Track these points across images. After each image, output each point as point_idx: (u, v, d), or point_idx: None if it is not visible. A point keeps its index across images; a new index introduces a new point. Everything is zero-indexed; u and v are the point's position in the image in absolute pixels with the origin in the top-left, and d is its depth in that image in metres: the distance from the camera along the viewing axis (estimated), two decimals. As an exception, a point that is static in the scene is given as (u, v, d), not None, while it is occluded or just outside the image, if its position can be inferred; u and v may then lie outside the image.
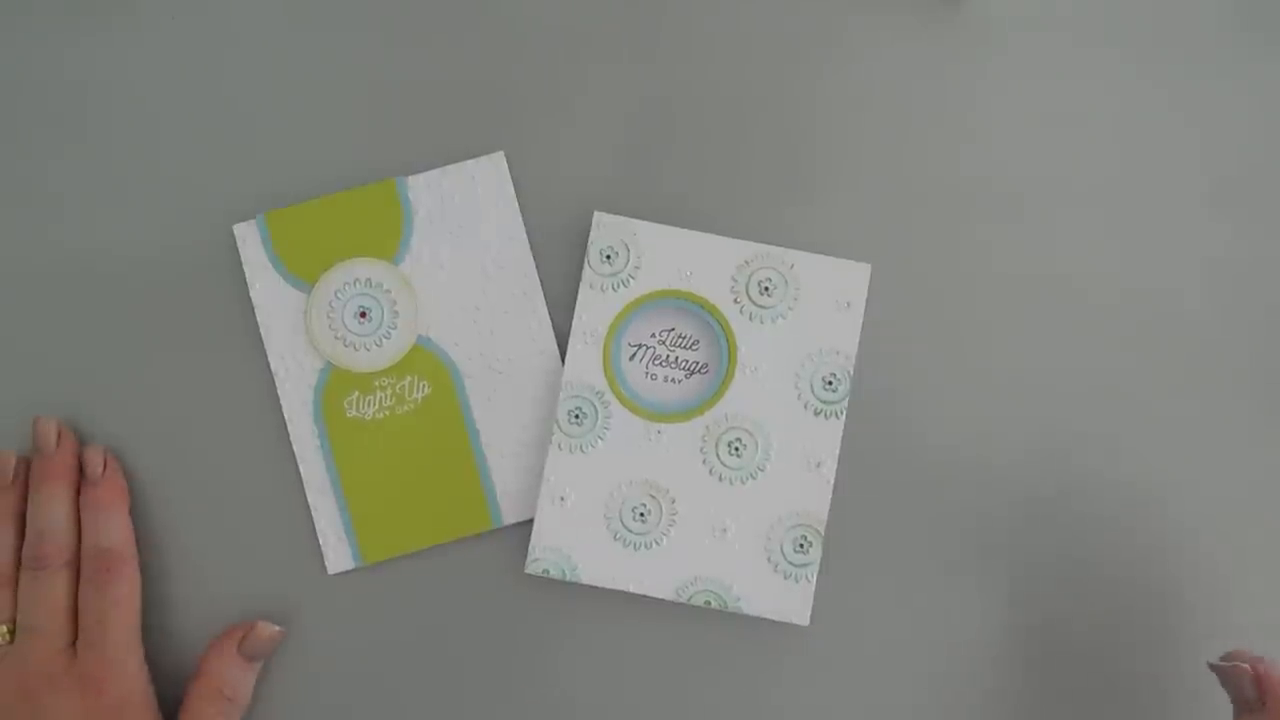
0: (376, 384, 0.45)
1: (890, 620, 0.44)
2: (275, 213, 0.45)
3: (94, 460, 0.43)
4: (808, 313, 0.44)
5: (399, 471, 0.44)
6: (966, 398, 0.45)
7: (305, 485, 0.45)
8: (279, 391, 0.45)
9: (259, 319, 0.45)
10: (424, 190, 0.45)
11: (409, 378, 0.45)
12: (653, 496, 0.43)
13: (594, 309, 0.44)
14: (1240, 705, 0.38)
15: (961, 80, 0.46)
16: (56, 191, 0.46)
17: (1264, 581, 0.45)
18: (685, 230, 0.44)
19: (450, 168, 0.45)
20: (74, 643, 0.41)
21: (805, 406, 0.43)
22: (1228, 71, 0.46)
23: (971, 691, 0.44)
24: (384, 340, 0.44)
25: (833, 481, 0.43)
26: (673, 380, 0.44)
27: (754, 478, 0.43)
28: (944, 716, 0.44)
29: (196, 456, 0.45)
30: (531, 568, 0.43)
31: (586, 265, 0.44)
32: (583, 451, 0.43)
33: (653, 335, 0.44)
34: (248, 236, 0.45)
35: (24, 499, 0.43)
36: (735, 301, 0.44)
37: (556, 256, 0.45)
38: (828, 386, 0.43)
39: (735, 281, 0.44)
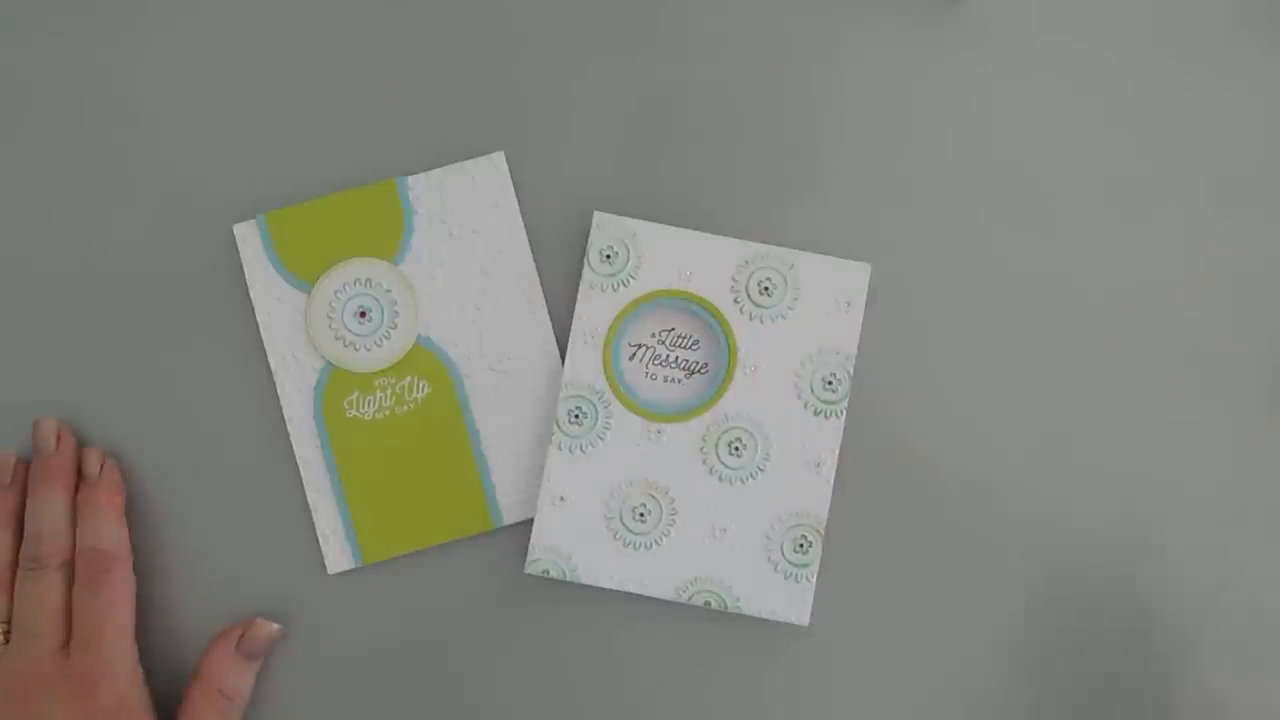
0: (376, 384, 0.45)
1: (890, 620, 0.44)
2: (275, 213, 0.45)
3: (91, 462, 0.43)
4: (808, 313, 0.44)
5: (399, 471, 0.44)
6: (966, 397, 0.45)
7: (305, 485, 0.45)
8: (279, 391, 0.45)
9: (259, 319, 0.45)
10: (424, 190, 0.45)
11: (409, 378, 0.45)
12: (653, 496, 0.43)
13: (594, 309, 0.44)
14: None
15: (961, 80, 0.46)
16: (56, 191, 0.46)
17: (1263, 579, 0.45)
18: (685, 230, 0.44)
19: (450, 168, 0.45)
20: (68, 644, 0.41)
21: (805, 406, 0.43)
22: (1229, 70, 0.46)
23: (971, 692, 0.44)
24: (384, 340, 0.44)
25: (833, 481, 0.43)
26: (673, 380, 0.44)
27: (754, 478, 0.43)
28: (943, 717, 0.44)
29: (196, 456, 0.45)
30: (531, 568, 0.43)
31: (586, 265, 0.44)
32: (583, 451, 0.43)
33: (653, 335, 0.44)
34: (248, 236, 0.45)
35: (23, 500, 0.43)
36: (735, 301, 0.44)
37: (556, 256, 0.45)
38: (828, 386, 0.43)
39: (735, 281, 0.44)
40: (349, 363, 0.44)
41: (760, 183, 0.46)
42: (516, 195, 0.45)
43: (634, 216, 0.45)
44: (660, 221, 0.45)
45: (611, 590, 0.44)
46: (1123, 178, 0.46)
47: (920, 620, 0.44)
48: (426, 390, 0.45)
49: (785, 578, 0.43)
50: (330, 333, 0.44)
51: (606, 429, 0.43)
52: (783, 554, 0.43)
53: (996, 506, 0.45)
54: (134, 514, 0.45)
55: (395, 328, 0.45)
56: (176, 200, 0.46)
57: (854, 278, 0.44)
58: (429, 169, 0.45)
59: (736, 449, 0.43)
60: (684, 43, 0.46)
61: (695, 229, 0.44)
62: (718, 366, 0.44)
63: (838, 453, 0.43)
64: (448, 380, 0.45)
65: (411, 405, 0.45)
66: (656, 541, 0.43)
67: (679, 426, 0.43)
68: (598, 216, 0.44)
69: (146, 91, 0.46)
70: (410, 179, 0.45)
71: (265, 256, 0.45)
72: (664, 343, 0.44)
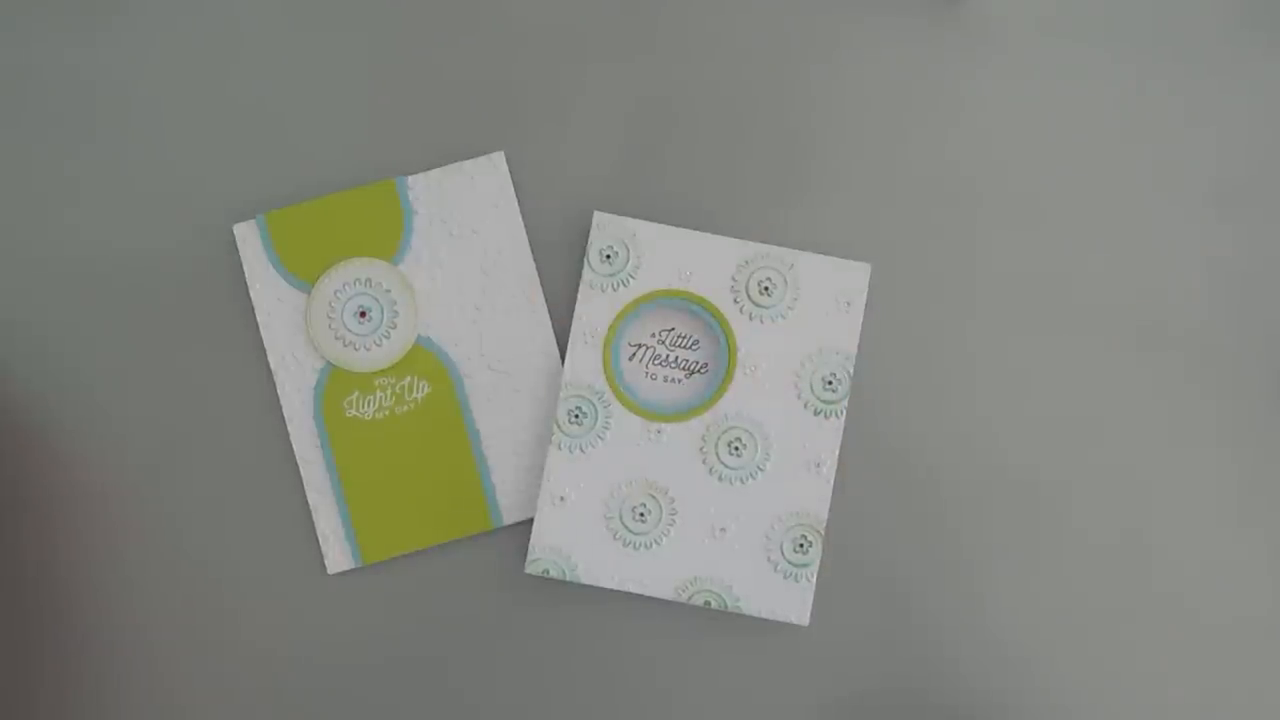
0: (376, 384, 0.45)
1: (890, 620, 0.44)
2: (275, 213, 0.45)
3: None
4: (808, 313, 0.44)
5: (399, 471, 0.44)
6: (966, 397, 0.45)
7: (305, 485, 0.45)
8: (279, 391, 0.45)
9: (259, 319, 0.45)
10: (424, 190, 0.45)
11: (409, 378, 0.45)
12: (653, 496, 0.43)
13: (594, 309, 0.44)
14: None
15: (961, 80, 0.46)
16: (57, 191, 0.46)
17: (1259, 576, 0.45)
18: (685, 230, 0.44)
19: (450, 168, 0.45)
20: None
21: (805, 406, 0.43)
22: (1229, 71, 0.46)
23: (971, 691, 0.44)
24: (384, 340, 0.44)
25: (833, 481, 0.43)
26: (673, 380, 0.44)
27: (754, 478, 0.43)
28: (943, 716, 0.44)
29: (197, 456, 0.45)
30: (531, 568, 0.43)
31: (586, 265, 0.44)
32: (583, 451, 0.43)
33: (652, 335, 0.44)
34: (248, 236, 0.45)
35: None
36: (735, 301, 0.44)
37: (556, 256, 0.45)
38: (828, 386, 0.43)
39: (735, 281, 0.44)
40: (349, 363, 0.44)
41: (760, 183, 0.46)
42: (516, 195, 0.45)
43: (634, 216, 0.45)
44: (660, 221, 0.45)
45: (611, 590, 0.44)
46: (1123, 178, 0.46)
47: (919, 620, 0.44)
48: (426, 390, 0.45)
49: (785, 578, 0.43)
50: (330, 333, 0.44)
51: (606, 429, 0.43)
52: (783, 554, 0.43)
53: (996, 506, 0.45)
54: (134, 513, 0.45)
55: (395, 328, 0.45)
56: (176, 200, 0.46)
57: (854, 278, 0.44)
58: (429, 169, 0.45)
59: (736, 449, 0.43)
60: (684, 43, 0.46)
61: (695, 229, 0.44)
62: (718, 366, 0.44)
63: (838, 453, 0.43)
64: (448, 380, 0.45)
65: (411, 405, 0.45)
66: (656, 541, 0.43)
67: (679, 426, 0.43)
68: (598, 216, 0.44)
69: (147, 91, 0.46)
70: (410, 179, 0.45)
71: (265, 256, 0.45)
72: (664, 343, 0.44)
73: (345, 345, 0.44)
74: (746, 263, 0.44)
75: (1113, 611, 0.44)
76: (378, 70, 0.46)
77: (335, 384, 0.45)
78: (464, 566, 0.45)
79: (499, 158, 0.45)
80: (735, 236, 0.45)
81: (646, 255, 0.44)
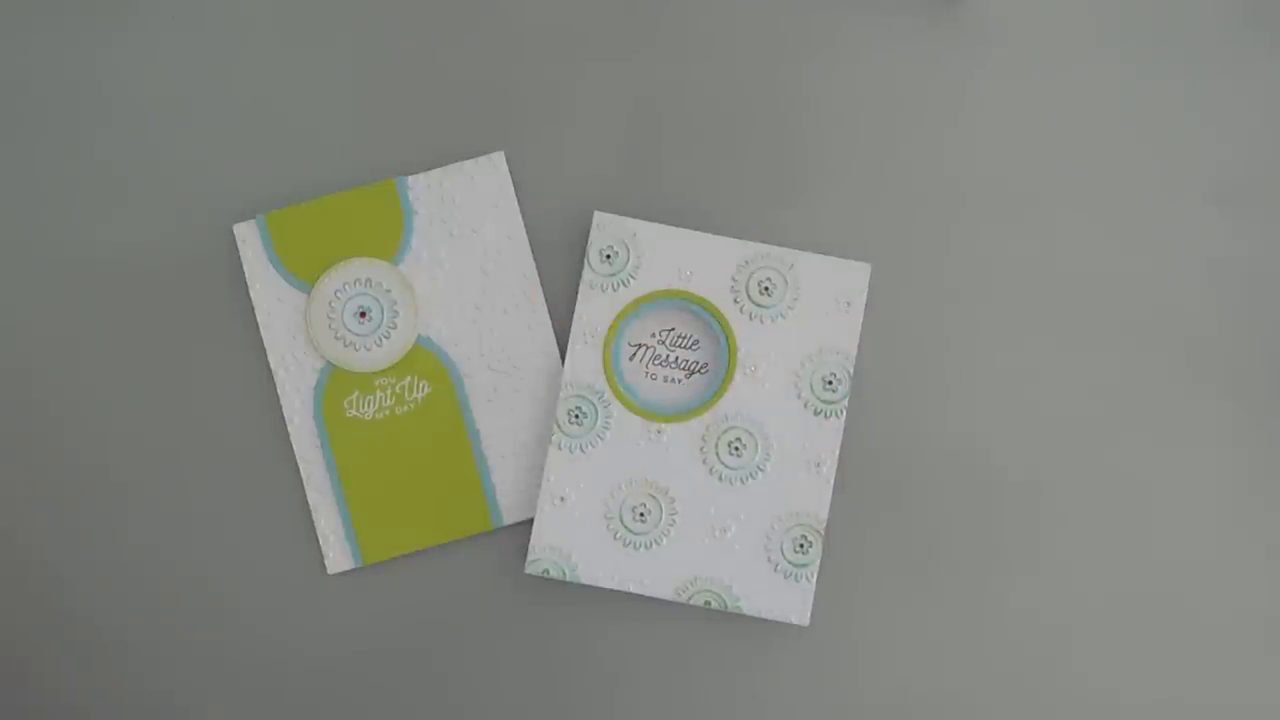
0: (376, 384, 0.45)
1: (890, 620, 0.44)
2: (275, 213, 0.45)
3: None
4: (808, 313, 0.44)
5: (399, 471, 0.44)
6: (966, 397, 0.45)
7: (305, 485, 0.45)
8: (279, 391, 0.45)
9: (259, 319, 0.45)
10: (424, 190, 0.45)
11: (409, 378, 0.45)
12: (653, 496, 0.43)
13: (594, 309, 0.44)
14: None
15: (960, 80, 0.46)
16: (57, 191, 0.46)
17: (1259, 576, 0.44)
18: (685, 230, 0.44)
19: (450, 168, 0.45)
20: None
21: (805, 406, 0.43)
22: (1229, 70, 0.46)
23: (971, 691, 0.44)
24: (384, 340, 0.44)
25: (833, 481, 0.43)
26: (673, 380, 0.44)
27: (754, 478, 0.43)
28: (944, 716, 0.44)
29: (197, 456, 0.45)
30: (531, 568, 0.43)
31: (586, 265, 0.44)
32: (583, 451, 0.43)
33: (653, 335, 0.44)
34: (248, 236, 0.45)
35: None
36: (735, 301, 0.44)
37: (556, 256, 0.45)
38: (828, 386, 0.43)
39: (735, 281, 0.44)
40: (349, 363, 0.44)
41: (760, 183, 0.46)
42: (516, 195, 0.45)
43: (634, 216, 0.45)
44: (660, 221, 0.45)
45: (611, 590, 0.44)
46: (1123, 178, 0.46)
47: (920, 620, 0.44)
48: (426, 390, 0.45)
49: (785, 578, 0.43)
50: (330, 333, 0.44)
51: (606, 429, 0.43)
52: (783, 554, 0.43)
53: (996, 506, 0.45)
54: (134, 512, 0.45)
55: (395, 328, 0.45)
56: (176, 200, 0.46)
57: (854, 278, 0.44)
58: (429, 169, 0.45)
59: (736, 449, 0.43)
60: (684, 43, 0.46)
61: (695, 229, 0.44)
62: (718, 366, 0.44)
63: (838, 453, 0.43)
64: (448, 380, 0.45)
65: (411, 405, 0.45)
66: (656, 541, 0.43)
67: (679, 426, 0.43)
68: (598, 216, 0.44)
69: (147, 92, 0.46)
70: (410, 179, 0.45)
71: (265, 256, 0.45)
72: (664, 343, 0.44)
73: (345, 345, 0.44)
74: (746, 263, 0.44)
75: (1112, 611, 0.44)
76: (378, 70, 0.46)
77: (335, 384, 0.45)
78: (464, 566, 0.45)
79: (499, 158, 0.45)
80: (735, 236, 0.45)
81: (646, 255, 0.44)
